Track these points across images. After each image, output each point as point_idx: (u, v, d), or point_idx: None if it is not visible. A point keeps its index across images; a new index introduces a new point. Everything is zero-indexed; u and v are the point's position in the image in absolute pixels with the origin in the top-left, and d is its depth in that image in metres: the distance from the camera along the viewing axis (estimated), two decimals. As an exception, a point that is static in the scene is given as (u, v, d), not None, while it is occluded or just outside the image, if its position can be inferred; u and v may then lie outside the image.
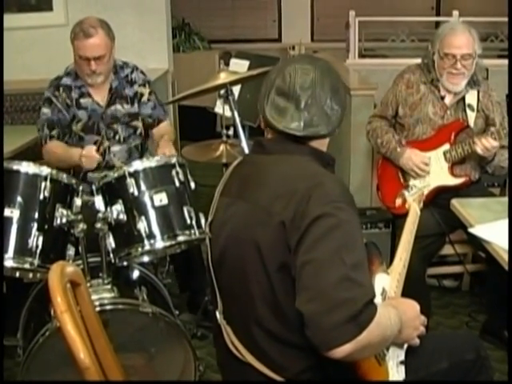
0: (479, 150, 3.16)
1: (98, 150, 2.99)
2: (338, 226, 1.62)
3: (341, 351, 1.51)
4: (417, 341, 1.88)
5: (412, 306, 1.88)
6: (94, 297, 2.35)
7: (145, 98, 3.39)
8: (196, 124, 6.31)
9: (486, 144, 3.14)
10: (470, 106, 3.33)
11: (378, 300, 1.83)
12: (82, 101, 3.26)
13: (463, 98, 3.34)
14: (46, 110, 3.24)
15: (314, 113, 1.79)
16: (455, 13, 6.32)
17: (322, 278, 1.56)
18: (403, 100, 3.43)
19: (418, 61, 3.51)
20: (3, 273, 2.34)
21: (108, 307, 2.41)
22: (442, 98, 3.36)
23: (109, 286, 2.49)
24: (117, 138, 3.31)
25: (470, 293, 3.80)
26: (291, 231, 1.65)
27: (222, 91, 2.91)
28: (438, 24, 6.36)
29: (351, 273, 1.55)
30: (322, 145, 1.87)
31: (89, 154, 2.96)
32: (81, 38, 3.08)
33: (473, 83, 3.34)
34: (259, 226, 1.73)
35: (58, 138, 3.24)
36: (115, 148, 3.31)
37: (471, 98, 3.35)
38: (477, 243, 2.71)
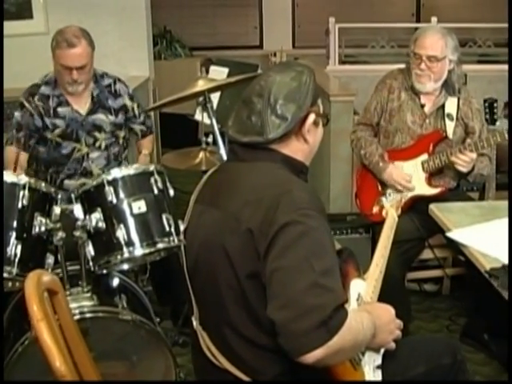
0: (461, 167, 3.17)
1: (14, 170, 2.88)
2: (306, 233, 1.62)
3: (312, 356, 1.52)
4: (392, 345, 1.89)
5: (387, 311, 1.89)
6: (73, 305, 2.35)
7: (136, 112, 3.47)
8: (178, 131, 6.29)
9: (465, 158, 3.14)
10: (449, 115, 3.33)
11: (353, 305, 1.85)
12: (60, 110, 3.25)
13: (443, 107, 3.34)
14: (17, 114, 3.24)
15: (262, 119, 1.78)
16: (434, 19, 6.38)
17: (292, 285, 1.56)
18: (385, 105, 3.43)
19: (399, 66, 3.52)
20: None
21: (88, 315, 2.40)
22: (422, 106, 3.36)
23: (88, 294, 2.48)
24: (97, 144, 3.31)
25: (451, 296, 3.83)
26: (259, 238, 1.65)
27: (201, 98, 2.91)
28: (417, 30, 6.42)
29: (320, 279, 1.56)
30: (294, 152, 1.85)
31: None
32: (64, 47, 3.07)
33: (452, 91, 3.33)
34: (228, 232, 1.74)
35: (24, 140, 3.22)
36: (94, 154, 3.32)
37: (451, 106, 3.34)
38: (456, 247, 2.73)
